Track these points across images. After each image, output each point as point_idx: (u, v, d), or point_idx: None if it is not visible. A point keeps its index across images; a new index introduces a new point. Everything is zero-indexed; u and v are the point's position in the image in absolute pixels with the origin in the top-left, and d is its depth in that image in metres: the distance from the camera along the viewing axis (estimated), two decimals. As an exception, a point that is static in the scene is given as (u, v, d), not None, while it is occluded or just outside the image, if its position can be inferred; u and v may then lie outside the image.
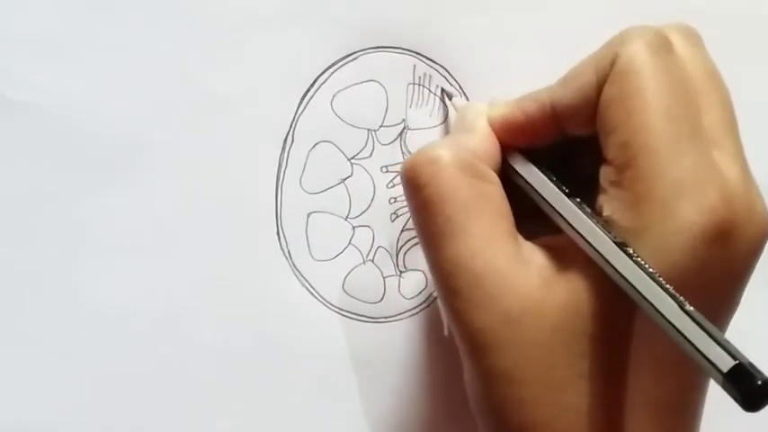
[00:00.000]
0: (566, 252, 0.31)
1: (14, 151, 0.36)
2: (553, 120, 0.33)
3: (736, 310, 0.32)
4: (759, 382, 0.25)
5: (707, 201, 0.29)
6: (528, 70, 0.38)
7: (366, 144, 0.38)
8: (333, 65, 0.38)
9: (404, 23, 0.38)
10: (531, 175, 0.33)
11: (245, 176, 0.37)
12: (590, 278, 0.30)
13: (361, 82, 0.38)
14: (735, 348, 0.26)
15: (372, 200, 0.38)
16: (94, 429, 0.37)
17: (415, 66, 0.38)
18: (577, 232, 0.30)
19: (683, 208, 0.29)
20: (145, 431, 0.37)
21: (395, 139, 0.38)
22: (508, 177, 0.34)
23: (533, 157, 0.33)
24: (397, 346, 0.39)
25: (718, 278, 0.30)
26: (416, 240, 0.37)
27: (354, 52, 0.38)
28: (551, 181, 0.32)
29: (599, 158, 0.31)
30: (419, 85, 0.38)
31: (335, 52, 0.38)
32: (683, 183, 0.29)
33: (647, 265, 0.28)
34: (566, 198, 0.31)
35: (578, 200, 0.31)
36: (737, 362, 0.26)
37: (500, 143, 0.34)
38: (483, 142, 0.33)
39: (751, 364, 0.26)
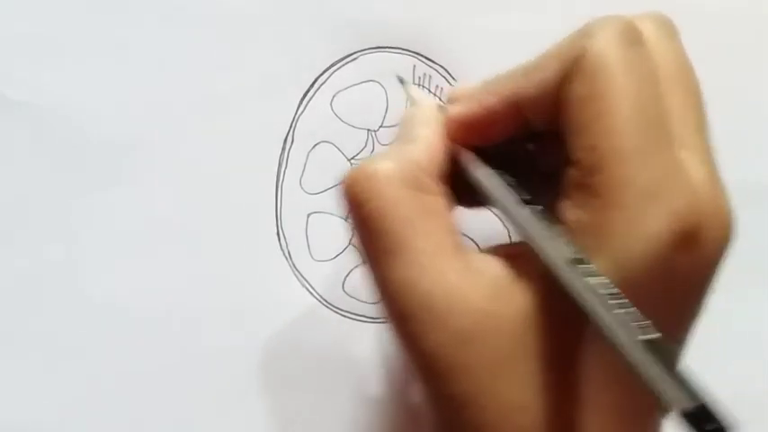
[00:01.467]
0: (521, 259, 0.29)
1: (14, 151, 0.36)
2: (515, 114, 0.30)
3: (700, 315, 0.31)
4: (717, 426, 0.24)
5: (674, 206, 0.28)
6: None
7: (366, 144, 0.38)
8: (333, 65, 0.38)
9: (404, 24, 0.38)
10: (487, 179, 0.31)
11: (245, 177, 0.37)
12: (545, 287, 0.29)
13: (361, 82, 0.38)
14: (695, 387, 0.25)
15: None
16: (96, 429, 0.37)
17: (414, 66, 0.38)
18: (533, 245, 0.29)
19: (651, 214, 0.28)
20: (145, 431, 0.37)
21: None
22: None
23: (494, 156, 0.32)
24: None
25: (684, 284, 0.29)
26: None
27: (354, 53, 0.38)
28: (508, 186, 0.30)
29: (563, 156, 0.30)
30: (419, 85, 0.38)
31: (335, 53, 0.38)
32: (651, 188, 0.28)
33: (604, 282, 0.27)
34: (521, 206, 0.29)
35: (539, 207, 0.29)
36: (698, 403, 0.24)
37: (457, 143, 0.32)
38: (427, 152, 0.31)
39: (711, 405, 0.24)
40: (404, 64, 0.38)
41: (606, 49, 0.28)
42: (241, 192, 0.37)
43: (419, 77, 0.38)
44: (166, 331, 0.37)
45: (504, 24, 0.39)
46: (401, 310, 0.29)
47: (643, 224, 0.28)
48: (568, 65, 0.29)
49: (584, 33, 0.29)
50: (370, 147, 0.38)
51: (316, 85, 0.38)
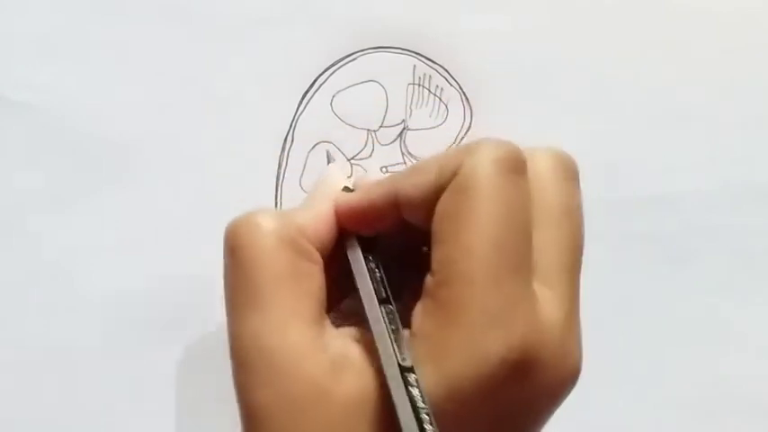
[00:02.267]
0: (369, 345, 0.30)
1: (14, 151, 0.36)
2: (395, 210, 0.31)
3: None
4: None
5: (515, 335, 0.28)
6: (527, 70, 0.38)
7: (366, 144, 0.38)
8: (332, 65, 0.38)
9: (403, 24, 0.38)
10: (357, 267, 0.32)
11: (245, 176, 0.37)
12: (379, 377, 0.29)
13: (361, 82, 0.38)
14: None
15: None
16: (97, 429, 0.37)
17: (414, 66, 0.38)
18: (377, 342, 0.30)
19: (488, 340, 0.28)
20: (146, 430, 0.37)
21: (395, 140, 0.38)
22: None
23: (388, 248, 0.33)
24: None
25: (512, 414, 0.29)
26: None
27: (354, 53, 0.38)
28: (374, 280, 0.31)
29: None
30: (419, 85, 0.38)
31: (335, 53, 0.38)
32: (492, 315, 0.28)
33: (419, 399, 0.28)
34: (376, 303, 0.30)
35: (391, 308, 0.30)
36: None
37: (345, 227, 0.32)
38: (315, 221, 0.32)
39: None
40: (404, 64, 0.38)
41: (480, 170, 0.29)
42: (241, 192, 0.37)
43: (419, 77, 0.38)
44: (166, 331, 0.37)
45: (504, 24, 0.39)
46: (243, 359, 0.30)
47: (476, 347, 0.28)
48: (446, 175, 0.29)
49: (469, 149, 0.30)
50: (369, 147, 0.38)
51: (315, 86, 0.38)
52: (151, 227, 0.37)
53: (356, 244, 0.32)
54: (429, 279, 0.29)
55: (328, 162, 0.37)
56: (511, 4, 0.39)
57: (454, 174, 0.29)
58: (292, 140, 0.38)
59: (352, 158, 0.38)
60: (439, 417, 0.28)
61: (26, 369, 0.36)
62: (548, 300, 0.29)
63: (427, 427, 0.27)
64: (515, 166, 0.29)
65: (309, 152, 0.38)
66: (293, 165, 0.38)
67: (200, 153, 0.37)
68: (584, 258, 0.38)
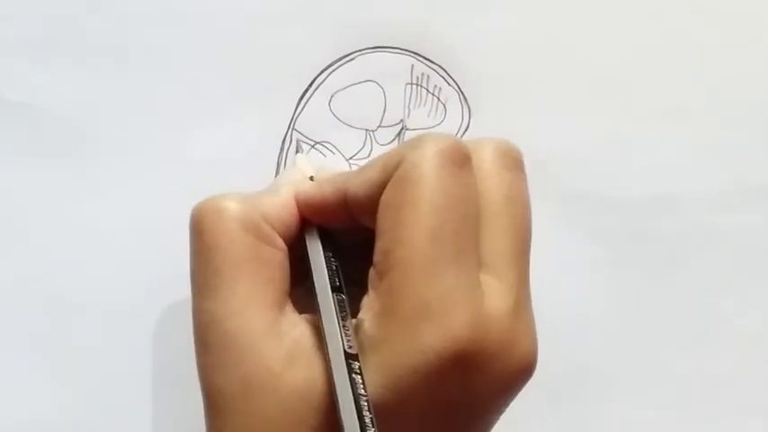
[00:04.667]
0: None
1: (13, 152, 0.36)
2: (345, 207, 0.31)
3: None
4: None
5: (451, 327, 0.28)
6: (525, 69, 0.38)
7: (364, 144, 0.38)
8: (330, 65, 0.38)
9: (402, 23, 0.38)
10: (314, 256, 0.32)
11: (244, 177, 0.37)
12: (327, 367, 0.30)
13: (359, 82, 0.38)
14: None
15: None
16: (99, 429, 0.37)
17: (413, 66, 0.38)
18: (322, 327, 0.30)
19: (423, 330, 0.28)
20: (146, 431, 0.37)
21: (393, 140, 0.38)
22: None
23: (340, 233, 0.33)
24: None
25: (455, 406, 0.29)
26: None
27: (352, 52, 0.38)
28: (329, 269, 0.31)
29: None
30: (417, 85, 0.38)
31: (333, 53, 0.38)
32: (429, 305, 0.28)
33: (361, 386, 0.28)
34: (329, 290, 0.31)
35: (343, 296, 0.31)
36: None
37: (302, 216, 0.33)
38: (278, 208, 0.32)
39: None
40: (402, 64, 0.38)
41: (421, 162, 0.29)
42: (240, 191, 0.37)
43: (417, 77, 0.38)
44: (166, 331, 0.37)
45: (503, 24, 0.39)
46: (203, 341, 0.31)
47: (415, 340, 0.28)
48: (389, 170, 0.30)
49: (411, 144, 0.30)
50: (368, 147, 0.38)
51: (314, 86, 0.38)
52: (151, 227, 0.37)
53: (315, 232, 0.32)
54: (372, 270, 0.30)
55: (296, 151, 0.37)
56: (509, 4, 0.39)
57: (395, 167, 0.30)
58: (291, 141, 0.38)
59: (351, 158, 0.38)
60: (378, 406, 0.28)
61: (25, 370, 0.36)
62: (493, 290, 0.29)
63: (365, 413, 0.28)
64: (457, 158, 0.30)
65: (308, 152, 0.38)
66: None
67: (199, 153, 0.37)
68: (585, 258, 0.38)
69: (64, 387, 0.36)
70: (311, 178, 0.34)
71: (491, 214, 0.30)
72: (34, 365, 0.36)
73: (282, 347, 0.30)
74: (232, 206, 0.31)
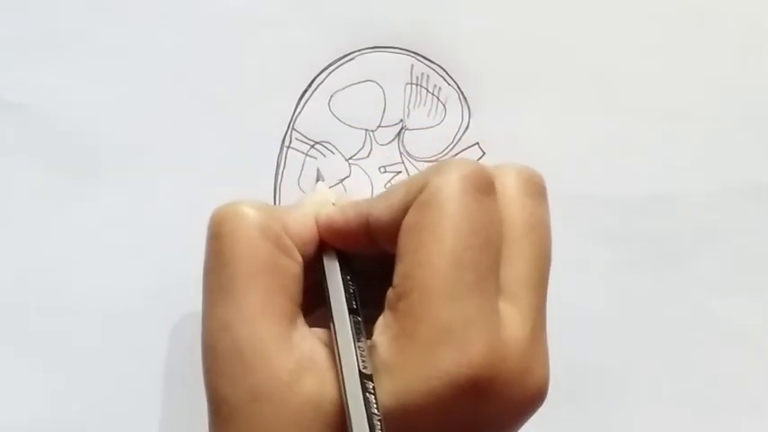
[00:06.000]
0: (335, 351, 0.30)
1: (13, 152, 0.36)
2: (367, 232, 0.32)
3: None
4: None
5: (468, 353, 0.28)
6: (525, 69, 0.38)
7: (364, 144, 0.38)
8: (330, 65, 0.38)
9: (401, 23, 0.38)
10: (331, 278, 0.32)
11: (243, 177, 0.37)
12: (338, 383, 0.29)
13: (359, 82, 0.38)
14: None
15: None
16: (98, 429, 0.37)
17: (412, 65, 0.38)
18: (337, 346, 0.30)
19: (439, 355, 0.28)
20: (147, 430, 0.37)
21: (393, 140, 0.38)
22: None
23: (358, 258, 0.33)
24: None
25: (466, 430, 0.29)
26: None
27: (351, 52, 0.38)
28: (346, 291, 0.31)
29: None
30: (417, 84, 0.38)
31: (332, 53, 0.38)
32: (447, 330, 0.28)
33: (374, 406, 0.28)
34: (346, 310, 0.31)
35: (358, 318, 0.31)
36: None
37: (323, 240, 0.33)
38: (299, 223, 0.32)
39: None
40: (401, 64, 0.38)
41: (446, 187, 0.29)
42: (239, 192, 0.37)
43: (417, 77, 0.38)
44: (166, 331, 0.37)
45: (503, 24, 0.39)
46: (211, 346, 0.30)
47: (428, 363, 0.28)
48: (412, 194, 0.30)
49: (436, 168, 0.30)
50: (367, 146, 0.38)
51: (313, 86, 0.38)
52: (150, 227, 0.37)
53: (334, 254, 0.33)
54: (390, 291, 0.30)
55: (317, 179, 0.37)
56: (509, 4, 0.39)
57: (419, 192, 0.30)
58: (290, 141, 0.38)
59: (350, 158, 0.38)
60: (390, 427, 0.28)
61: (24, 370, 0.36)
62: (511, 318, 0.29)
63: None
64: (481, 184, 0.30)
65: (308, 152, 0.38)
66: (291, 165, 0.38)
67: (199, 154, 0.37)
68: (584, 258, 0.38)
69: (63, 389, 0.36)
70: (333, 204, 0.34)
71: (512, 241, 0.30)
72: (33, 367, 0.36)
73: (292, 358, 0.30)
74: (253, 213, 0.31)
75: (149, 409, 0.37)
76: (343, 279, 0.32)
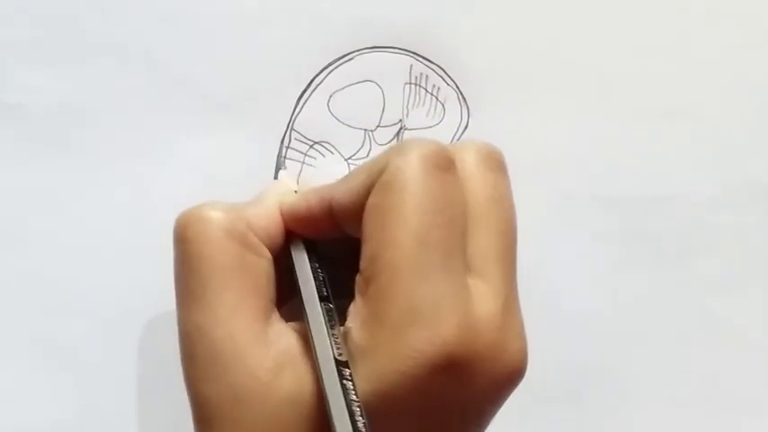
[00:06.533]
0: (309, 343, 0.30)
1: (12, 153, 0.37)
2: (330, 216, 0.31)
3: None
4: None
5: (440, 331, 0.28)
6: (524, 69, 0.38)
7: (363, 144, 0.38)
8: (329, 65, 0.38)
9: (400, 23, 0.38)
10: (300, 266, 0.32)
11: (242, 177, 0.37)
12: (315, 373, 0.29)
13: (358, 82, 0.38)
14: None
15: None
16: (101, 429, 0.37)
17: (411, 65, 0.38)
18: (311, 336, 0.30)
19: (412, 335, 0.28)
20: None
21: (392, 140, 0.38)
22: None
23: (325, 244, 0.33)
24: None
25: (446, 410, 0.29)
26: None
27: (350, 52, 0.38)
28: (316, 279, 0.31)
29: None
30: (416, 84, 0.38)
31: (331, 53, 0.38)
32: (417, 309, 0.28)
33: (353, 392, 0.28)
34: (317, 299, 0.31)
35: (330, 305, 0.31)
36: None
37: (287, 228, 0.33)
38: (264, 217, 0.32)
39: None
40: (400, 63, 0.38)
41: (406, 166, 0.29)
42: (239, 192, 0.37)
43: (416, 77, 0.38)
44: (166, 331, 0.37)
45: (502, 24, 0.39)
46: (189, 351, 0.30)
47: (403, 344, 0.28)
48: (374, 176, 0.30)
49: (395, 150, 0.30)
50: (367, 146, 0.38)
51: (312, 86, 0.38)
52: (150, 228, 0.37)
53: (300, 243, 0.32)
54: (358, 276, 0.30)
55: (277, 169, 0.37)
56: (508, 4, 0.39)
57: (380, 174, 0.30)
58: (289, 141, 0.38)
59: (350, 158, 0.38)
60: (369, 412, 0.28)
61: (24, 371, 0.36)
62: (482, 293, 0.29)
63: (358, 419, 0.27)
64: (441, 162, 0.30)
65: (307, 152, 0.38)
66: (291, 166, 0.38)
67: (198, 154, 0.37)
68: (584, 258, 0.38)
69: (62, 389, 0.37)
70: (295, 192, 0.34)
71: (476, 216, 0.30)
72: (32, 367, 0.36)
73: (270, 356, 0.30)
74: (217, 215, 0.31)
75: (149, 410, 0.37)
76: (311, 267, 0.32)
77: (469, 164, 0.31)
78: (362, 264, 0.29)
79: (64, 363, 0.37)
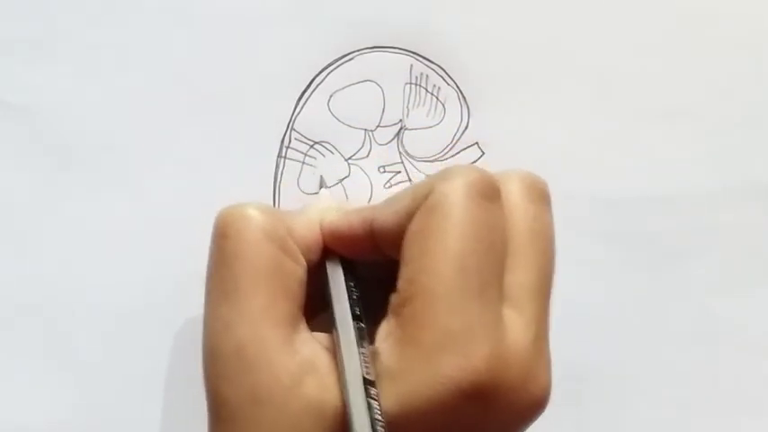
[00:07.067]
0: (337, 356, 0.30)
1: (12, 153, 0.37)
2: (372, 237, 0.32)
3: None
4: None
5: (472, 359, 0.28)
6: (524, 69, 0.38)
7: (363, 144, 0.38)
8: (329, 65, 0.38)
9: (400, 23, 0.38)
10: (335, 284, 0.32)
11: (243, 177, 0.37)
12: (339, 387, 0.29)
13: (358, 82, 0.38)
14: None
15: (370, 200, 0.38)
16: (101, 429, 0.37)
17: (411, 65, 0.38)
18: (339, 352, 0.30)
19: (443, 360, 0.28)
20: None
21: (392, 139, 0.38)
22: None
23: (361, 265, 0.33)
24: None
25: None
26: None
27: (351, 52, 0.38)
28: (349, 298, 0.31)
29: None
30: (416, 84, 0.38)
31: (331, 52, 0.38)
32: (451, 335, 0.28)
33: (377, 411, 0.28)
34: (349, 316, 0.31)
35: (362, 324, 0.31)
36: None
37: (327, 246, 0.33)
38: (304, 228, 0.32)
39: None
40: (400, 63, 0.38)
41: (451, 193, 0.29)
42: (239, 192, 0.37)
43: (416, 77, 0.38)
44: (166, 331, 0.37)
45: (502, 24, 0.39)
46: (213, 349, 0.30)
47: (434, 370, 0.28)
48: (418, 200, 0.30)
49: (441, 175, 0.30)
50: (367, 146, 0.38)
51: (312, 86, 0.38)
52: (149, 228, 0.37)
53: (338, 261, 0.33)
54: (394, 296, 0.30)
55: (320, 186, 0.37)
56: (508, 4, 0.39)
57: (426, 198, 0.30)
58: (290, 141, 0.38)
59: (350, 158, 0.38)
60: None
61: (24, 371, 0.36)
62: (515, 324, 0.29)
63: None
64: (486, 191, 0.30)
65: (307, 152, 0.38)
66: (291, 165, 0.38)
67: (198, 154, 0.37)
68: (584, 258, 0.38)
69: (63, 389, 0.36)
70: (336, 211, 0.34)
71: (516, 247, 0.30)
72: (33, 367, 0.36)
73: (294, 362, 0.30)
74: (258, 215, 0.31)
75: (150, 410, 0.37)
76: (346, 285, 0.32)
77: (514, 194, 0.31)
78: (400, 285, 0.29)
79: (64, 363, 0.37)
